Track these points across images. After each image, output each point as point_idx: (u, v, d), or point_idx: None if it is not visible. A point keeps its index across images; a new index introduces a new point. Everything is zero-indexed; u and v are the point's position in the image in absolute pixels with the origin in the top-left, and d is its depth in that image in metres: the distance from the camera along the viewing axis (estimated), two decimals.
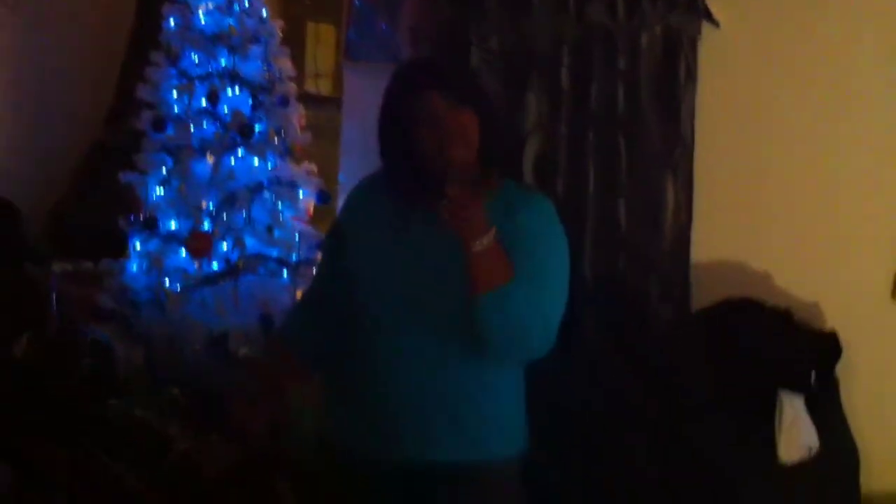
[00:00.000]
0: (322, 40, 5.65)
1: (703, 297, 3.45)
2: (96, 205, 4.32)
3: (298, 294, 3.78)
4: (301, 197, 3.88)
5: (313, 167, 3.96)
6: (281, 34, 3.94)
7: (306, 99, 4.33)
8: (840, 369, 3.33)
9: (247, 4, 3.82)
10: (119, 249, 3.90)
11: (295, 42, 4.70)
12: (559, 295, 2.04)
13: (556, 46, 3.33)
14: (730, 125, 3.42)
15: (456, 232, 1.91)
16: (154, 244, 3.76)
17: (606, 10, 3.28)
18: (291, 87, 3.93)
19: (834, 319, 3.46)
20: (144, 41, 4.27)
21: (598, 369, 3.26)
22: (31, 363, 3.43)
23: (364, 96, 3.65)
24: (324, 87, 5.58)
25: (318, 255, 3.73)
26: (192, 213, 3.71)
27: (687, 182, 3.30)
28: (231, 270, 3.68)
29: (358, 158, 3.77)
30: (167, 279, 3.70)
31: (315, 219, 3.99)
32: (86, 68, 5.00)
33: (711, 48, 3.35)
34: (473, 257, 1.91)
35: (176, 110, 3.80)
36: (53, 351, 3.41)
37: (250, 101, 3.81)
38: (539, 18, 3.32)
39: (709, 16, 3.30)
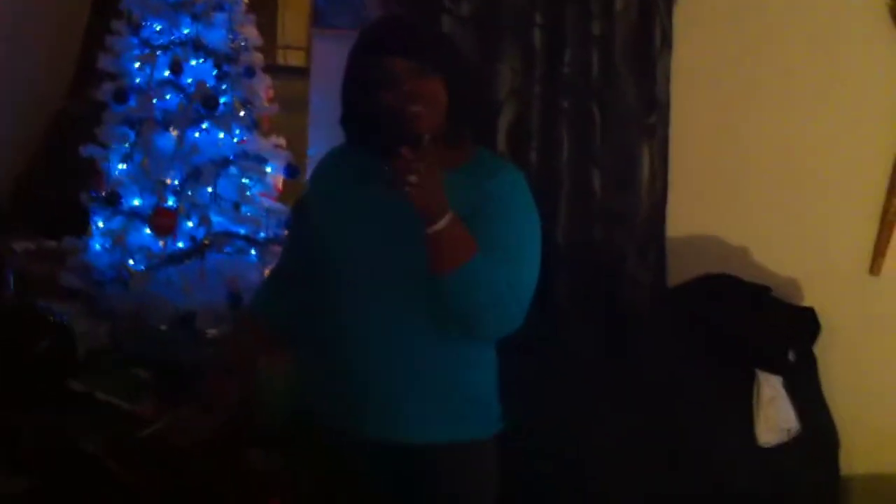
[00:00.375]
0: (293, 8, 5.51)
1: (679, 270, 3.37)
2: (59, 179, 4.18)
3: (267, 272, 3.70)
4: (269, 172, 3.77)
5: (281, 140, 3.85)
6: (247, 1, 3.81)
7: (275, 70, 4.20)
8: (819, 348, 3.27)
9: None
10: (83, 225, 3.78)
11: (265, 11, 4.60)
12: (530, 268, 2.00)
13: (528, 10, 3.21)
14: (707, 92, 3.31)
15: (407, 200, 1.83)
16: (117, 221, 3.64)
17: None
18: (258, 57, 3.80)
19: (812, 297, 3.39)
20: (108, 8, 4.10)
21: (570, 343, 3.19)
22: None
23: (333, 66, 3.55)
24: (296, 60, 5.41)
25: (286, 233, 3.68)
26: (155, 188, 3.59)
27: (662, 150, 3.21)
28: (197, 248, 3.58)
29: (327, 130, 3.54)
30: (131, 258, 3.59)
31: (284, 194, 3.89)
32: (48, 35, 4.82)
33: (688, 10, 3.24)
34: (432, 236, 1.85)
35: (138, 81, 3.66)
36: (9, 329, 3.30)
37: (214, 72, 3.67)
38: None
39: None
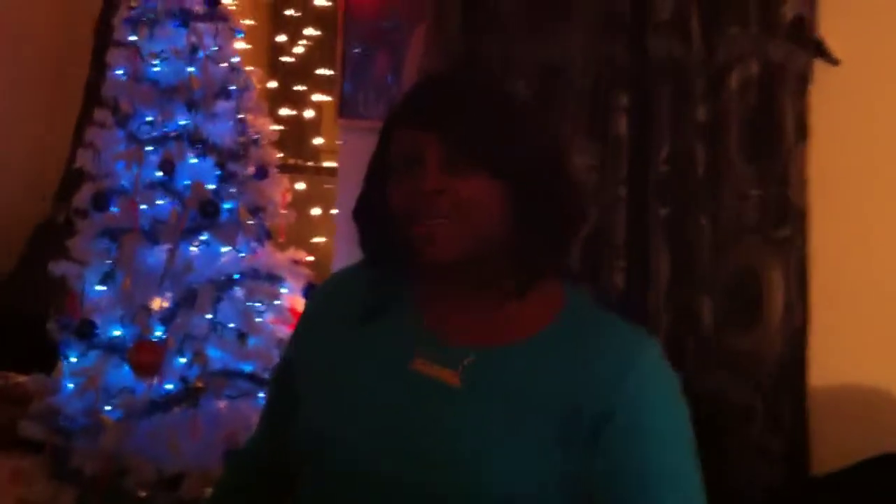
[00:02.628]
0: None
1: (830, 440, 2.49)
2: (32, 301, 3.54)
3: None
4: (284, 293, 3.10)
5: (301, 255, 3.19)
6: (259, 86, 3.16)
7: (293, 170, 3.54)
8: None
9: (214, 48, 3.03)
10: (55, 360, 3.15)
11: None
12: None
13: (609, 88, 2.48)
14: (854, 194, 2.50)
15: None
16: (91, 357, 2.97)
17: (677, 37, 2.43)
18: (271, 154, 3.15)
19: None
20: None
21: None
22: None
23: (363, 161, 3.02)
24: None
25: None
26: (139, 316, 2.91)
27: (800, 271, 2.40)
28: (189, 392, 2.90)
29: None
30: (107, 403, 2.92)
31: None
32: (39, 130, 4.24)
33: (826, 92, 2.46)
34: None
35: (123, 183, 3.01)
36: None
37: (217, 172, 3.04)
38: (581, 52, 2.49)
39: (822, 50, 2.43)
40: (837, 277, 2.51)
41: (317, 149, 4.09)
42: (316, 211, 3.88)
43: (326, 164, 4.00)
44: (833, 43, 2.48)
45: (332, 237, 3.57)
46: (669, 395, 1.26)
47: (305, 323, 1.51)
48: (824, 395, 2.48)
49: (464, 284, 1.32)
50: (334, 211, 3.62)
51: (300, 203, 3.51)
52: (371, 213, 1.35)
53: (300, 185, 3.39)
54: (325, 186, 3.94)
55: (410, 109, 1.31)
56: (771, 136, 2.41)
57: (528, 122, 1.34)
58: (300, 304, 3.21)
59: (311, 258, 3.24)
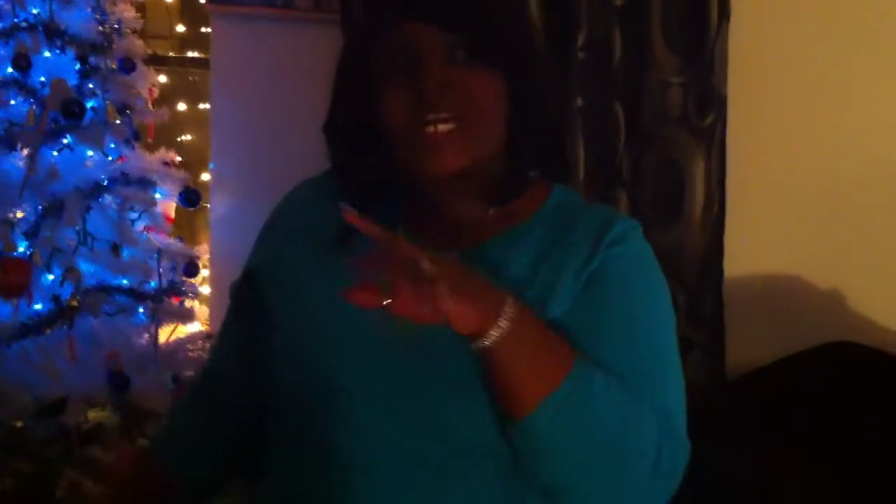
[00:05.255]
0: None
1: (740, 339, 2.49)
2: None
3: (162, 336, 2.78)
4: (158, 199, 2.86)
5: (173, 155, 2.91)
6: None
7: (156, 61, 3.24)
8: None
9: None
10: None
11: None
12: (677, 384, 1.21)
13: None
14: (778, 80, 2.43)
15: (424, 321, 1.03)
16: None
17: None
18: (138, 45, 2.86)
19: None
20: None
21: None
22: None
23: (240, 53, 2.80)
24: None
25: (187, 282, 2.80)
26: None
27: (720, 163, 2.33)
28: (62, 312, 2.63)
29: (235, 136, 2.85)
30: None
31: (180, 227, 3.07)
32: None
33: None
34: (483, 353, 1.06)
35: None
36: None
37: (78, 67, 2.72)
38: None
39: None
40: (751, 165, 2.48)
41: (180, 37, 3.77)
42: (182, 106, 3.61)
43: (190, 54, 3.70)
44: None
45: (202, 135, 3.32)
46: (650, 267, 1.26)
47: (271, 234, 1.37)
48: (739, 285, 2.46)
49: (453, 195, 1.21)
50: (205, 106, 3.36)
51: (165, 99, 3.24)
52: (346, 127, 1.20)
53: (162, 79, 3.11)
54: (190, 79, 3.66)
55: (400, 2, 1.15)
56: (694, 18, 2.31)
57: (526, 21, 1.24)
58: (174, 207, 2.99)
59: (179, 159, 3.00)
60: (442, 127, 1.13)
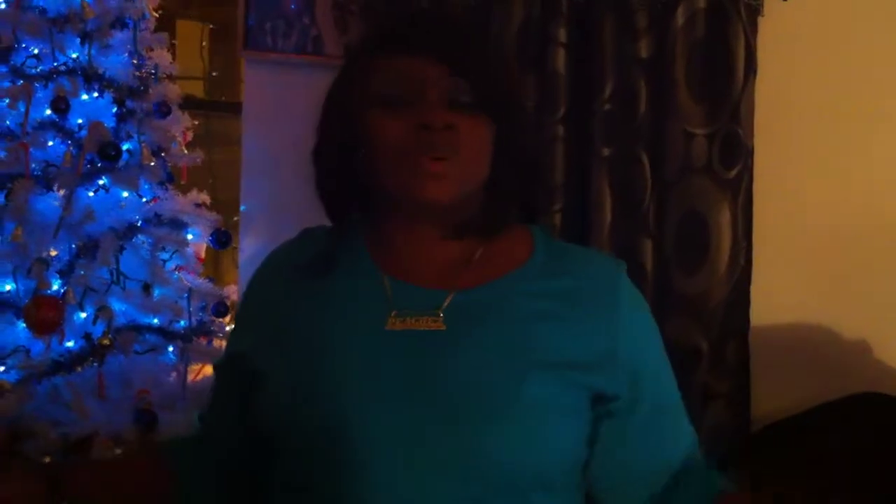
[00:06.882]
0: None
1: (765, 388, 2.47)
2: None
3: (191, 376, 2.80)
4: (190, 239, 2.88)
5: (205, 197, 2.95)
6: (155, 15, 2.90)
7: (190, 105, 3.28)
8: None
9: None
10: None
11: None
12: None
13: (545, 22, 2.36)
14: (800, 132, 2.44)
15: None
16: None
17: None
18: (173, 90, 2.90)
19: None
20: None
21: None
22: None
23: (271, 98, 2.83)
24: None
25: (216, 321, 2.82)
26: (34, 269, 2.63)
27: (747, 212, 2.34)
28: (94, 350, 2.65)
29: (266, 180, 2.89)
30: (1, 364, 2.64)
31: (210, 268, 3.01)
32: None
33: (774, 28, 2.39)
34: None
35: (8, 124, 2.71)
36: None
37: (115, 110, 2.77)
38: None
39: None
40: (777, 216, 2.48)
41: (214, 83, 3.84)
42: (213, 148, 3.66)
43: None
44: None
45: (234, 177, 3.36)
46: (651, 321, 1.32)
47: (249, 312, 1.37)
48: (765, 335, 2.46)
49: (435, 229, 1.23)
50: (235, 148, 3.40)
51: (199, 141, 3.28)
52: (334, 153, 1.23)
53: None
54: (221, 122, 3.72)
55: (407, 37, 1.18)
56: (720, 71, 2.34)
57: (508, 60, 1.31)
58: (205, 248, 3.02)
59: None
60: (442, 161, 1.15)
